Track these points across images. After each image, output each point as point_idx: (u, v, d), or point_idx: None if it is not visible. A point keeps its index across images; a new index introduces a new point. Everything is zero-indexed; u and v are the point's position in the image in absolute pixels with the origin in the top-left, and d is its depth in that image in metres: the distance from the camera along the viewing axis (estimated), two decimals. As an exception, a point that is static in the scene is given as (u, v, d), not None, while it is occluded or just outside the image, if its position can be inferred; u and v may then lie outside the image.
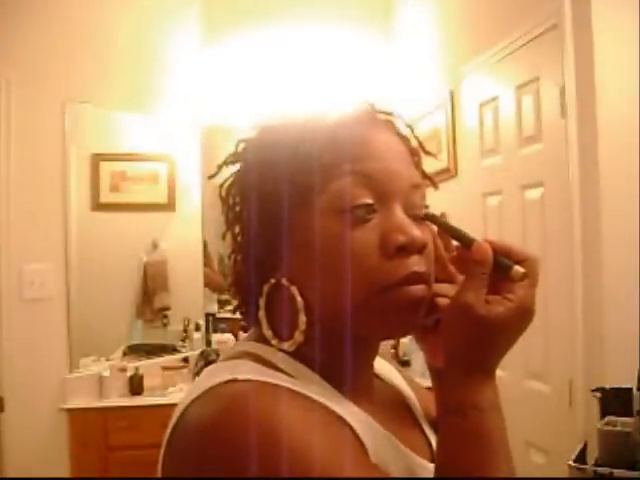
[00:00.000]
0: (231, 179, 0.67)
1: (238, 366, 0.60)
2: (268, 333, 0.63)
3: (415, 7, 3.27)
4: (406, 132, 0.68)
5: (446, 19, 2.94)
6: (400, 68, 3.41)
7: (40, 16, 2.72)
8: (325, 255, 0.59)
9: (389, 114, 0.67)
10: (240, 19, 3.31)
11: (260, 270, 0.64)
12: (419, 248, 0.59)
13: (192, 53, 3.29)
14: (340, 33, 3.40)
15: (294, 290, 0.61)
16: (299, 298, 0.60)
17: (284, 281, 0.61)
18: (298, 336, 0.61)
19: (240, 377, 0.56)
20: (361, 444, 0.57)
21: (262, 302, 0.64)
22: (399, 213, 0.60)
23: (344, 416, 0.58)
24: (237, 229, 0.67)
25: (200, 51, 3.30)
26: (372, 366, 0.70)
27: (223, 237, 0.68)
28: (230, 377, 0.56)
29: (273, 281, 0.63)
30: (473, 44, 2.61)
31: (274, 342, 0.62)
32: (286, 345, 0.62)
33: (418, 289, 0.59)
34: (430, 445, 0.70)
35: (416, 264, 0.59)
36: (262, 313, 0.64)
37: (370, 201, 0.59)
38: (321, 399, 0.58)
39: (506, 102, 2.32)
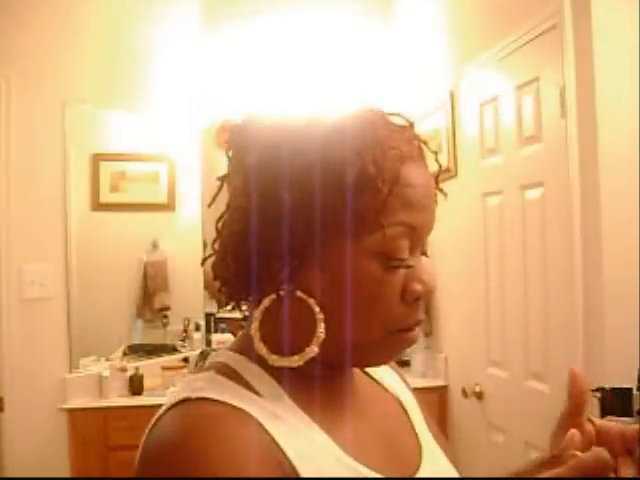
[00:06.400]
0: (263, 177, 0.62)
1: (197, 381, 0.61)
2: (261, 347, 0.62)
3: (415, 8, 3.27)
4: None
5: (446, 20, 2.94)
6: (400, 69, 3.41)
7: (40, 16, 2.72)
8: (356, 289, 0.60)
9: (425, 142, 0.66)
10: (239, 18, 3.31)
11: (264, 280, 0.62)
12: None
13: (192, 52, 3.28)
14: (341, 34, 3.40)
15: (312, 302, 0.60)
16: (317, 309, 0.60)
17: (300, 293, 0.61)
18: (314, 347, 0.60)
19: (193, 395, 0.58)
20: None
21: (258, 313, 0.62)
22: (420, 261, 0.63)
23: (287, 451, 0.57)
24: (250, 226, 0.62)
25: (200, 51, 3.30)
26: (354, 384, 0.71)
27: (217, 223, 0.65)
28: (183, 396, 0.58)
29: (282, 293, 0.61)
30: (473, 44, 2.61)
31: (271, 358, 0.61)
32: (298, 358, 0.61)
33: (416, 334, 0.65)
34: (421, 448, 0.71)
35: (421, 311, 0.64)
36: (256, 326, 0.62)
37: (406, 256, 0.61)
38: (273, 426, 0.58)
39: (506, 102, 2.32)
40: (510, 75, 2.29)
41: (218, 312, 3.50)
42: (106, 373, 2.81)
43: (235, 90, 3.35)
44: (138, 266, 3.22)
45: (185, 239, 3.38)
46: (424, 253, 0.65)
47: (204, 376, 0.62)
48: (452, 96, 2.79)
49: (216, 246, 0.66)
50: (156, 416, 0.60)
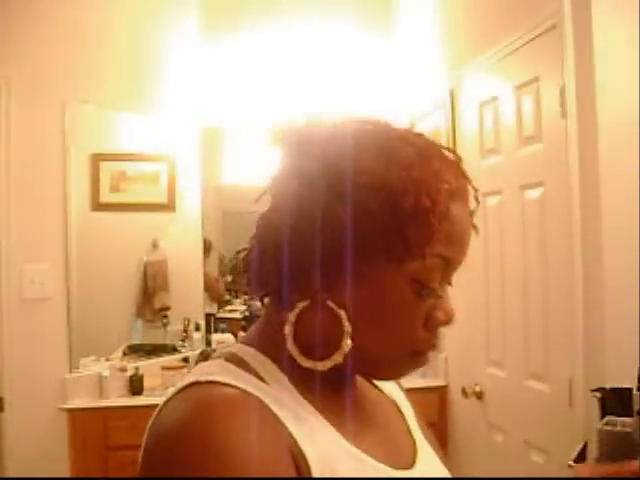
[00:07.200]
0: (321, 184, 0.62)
1: (206, 367, 0.63)
2: (293, 348, 0.63)
3: (415, 7, 3.27)
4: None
5: (446, 19, 2.94)
6: (400, 68, 3.41)
7: (40, 16, 2.72)
8: (386, 309, 0.63)
9: (469, 180, 0.68)
10: (240, 20, 3.31)
11: (299, 285, 0.63)
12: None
13: (192, 53, 3.29)
14: (341, 34, 3.40)
15: (342, 314, 0.62)
16: (346, 322, 0.62)
17: (331, 303, 0.62)
18: (337, 357, 0.63)
19: (202, 379, 0.59)
20: (297, 463, 0.58)
21: (292, 317, 0.64)
22: (447, 291, 0.66)
23: (294, 434, 0.58)
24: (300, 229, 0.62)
25: (200, 51, 3.30)
26: (355, 385, 0.73)
27: (259, 220, 0.67)
28: (192, 380, 0.59)
29: (315, 300, 0.63)
30: (473, 44, 2.61)
31: (300, 358, 0.63)
32: (323, 364, 0.63)
33: (428, 357, 0.68)
34: (416, 448, 0.74)
35: (438, 336, 0.67)
36: (290, 328, 0.64)
37: (437, 286, 0.64)
38: (279, 411, 0.59)
39: (506, 102, 2.32)
40: (510, 75, 2.29)
41: (218, 312, 3.51)
42: (106, 373, 2.81)
43: (235, 90, 3.35)
44: (138, 266, 3.22)
45: (185, 239, 3.38)
46: (449, 283, 0.67)
47: (213, 363, 0.64)
48: (452, 96, 2.79)
49: (254, 241, 0.67)
50: (163, 401, 0.60)
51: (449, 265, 0.64)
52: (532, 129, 2.15)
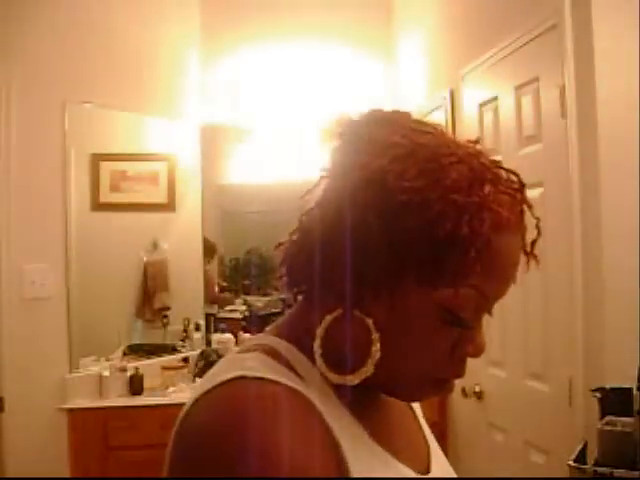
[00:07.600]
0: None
1: (248, 360, 0.60)
2: (322, 364, 0.62)
3: (416, 7, 3.27)
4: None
5: (446, 19, 2.94)
6: (400, 68, 3.41)
7: (40, 17, 2.72)
8: (409, 332, 0.61)
9: (530, 207, 0.64)
10: (242, 21, 3.31)
11: (328, 291, 0.62)
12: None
13: (193, 53, 3.29)
14: (341, 32, 3.40)
15: (369, 322, 0.60)
16: (374, 330, 0.60)
17: (358, 313, 0.60)
18: (369, 367, 0.61)
19: (249, 374, 0.57)
20: (338, 465, 0.58)
21: (321, 331, 0.62)
22: (481, 323, 0.64)
23: (334, 429, 0.59)
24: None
25: (201, 51, 3.30)
26: None
27: (302, 216, 0.65)
28: (237, 374, 0.57)
29: (340, 311, 0.61)
30: (473, 44, 2.61)
31: (330, 375, 0.62)
32: (353, 377, 0.61)
33: (453, 385, 0.66)
34: (429, 449, 0.74)
35: (465, 367, 0.64)
36: (319, 343, 0.62)
37: (469, 317, 0.61)
38: (319, 406, 0.59)
39: (506, 102, 2.32)
40: (510, 75, 2.29)
41: (218, 312, 3.51)
42: (106, 373, 2.81)
43: (237, 89, 3.36)
44: (138, 266, 3.22)
45: (185, 239, 3.38)
46: (489, 313, 0.64)
47: (252, 356, 0.62)
48: (452, 96, 2.79)
49: (294, 237, 0.65)
50: (197, 394, 0.58)
51: (485, 297, 0.61)
52: (532, 129, 2.15)
